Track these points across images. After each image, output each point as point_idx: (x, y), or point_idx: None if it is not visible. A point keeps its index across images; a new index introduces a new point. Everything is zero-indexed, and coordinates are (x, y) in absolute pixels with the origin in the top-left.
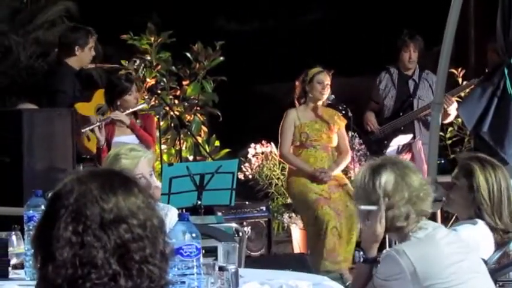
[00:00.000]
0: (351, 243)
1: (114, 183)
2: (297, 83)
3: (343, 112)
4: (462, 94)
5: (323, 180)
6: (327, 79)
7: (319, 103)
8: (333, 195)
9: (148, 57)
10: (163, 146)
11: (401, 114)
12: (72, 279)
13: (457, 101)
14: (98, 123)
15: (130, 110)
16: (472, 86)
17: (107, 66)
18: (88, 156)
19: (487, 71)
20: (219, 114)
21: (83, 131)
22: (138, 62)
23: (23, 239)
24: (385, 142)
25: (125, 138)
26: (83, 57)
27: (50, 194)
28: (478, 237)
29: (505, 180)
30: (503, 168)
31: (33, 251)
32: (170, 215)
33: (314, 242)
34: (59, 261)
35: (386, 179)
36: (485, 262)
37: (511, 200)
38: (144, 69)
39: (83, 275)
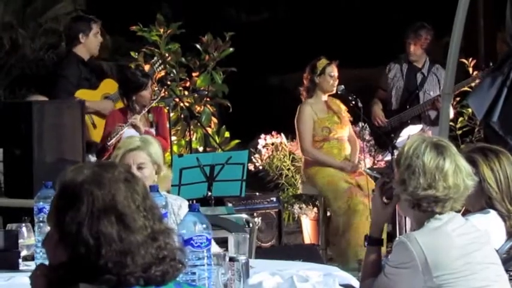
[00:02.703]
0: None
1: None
2: (304, 75)
3: (353, 102)
4: (472, 84)
5: (351, 172)
6: (335, 71)
7: (325, 96)
8: (361, 182)
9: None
10: (173, 138)
11: (408, 106)
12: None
13: (467, 91)
14: (121, 132)
15: (147, 108)
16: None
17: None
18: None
19: (491, 63)
20: (229, 105)
21: (108, 144)
22: (156, 60)
23: (33, 231)
24: (392, 135)
25: (134, 132)
26: (89, 44)
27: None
28: (489, 226)
29: (510, 166)
30: (507, 154)
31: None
32: (184, 206)
33: (348, 231)
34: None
35: (449, 165)
36: (496, 252)
37: None
38: (160, 66)
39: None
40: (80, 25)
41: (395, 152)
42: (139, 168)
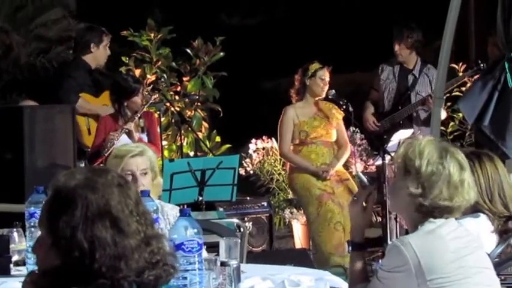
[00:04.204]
0: None
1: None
2: (296, 76)
3: (344, 107)
4: (463, 88)
5: (325, 178)
6: (327, 75)
7: (316, 99)
8: (336, 190)
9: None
10: (164, 142)
11: (400, 108)
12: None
13: (457, 95)
14: (116, 140)
15: (139, 114)
16: (466, 79)
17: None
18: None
19: (482, 64)
20: (220, 109)
21: (106, 154)
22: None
23: (25, 236)
24: (385, 137)
25: (127, 139)
26: (98, 55)
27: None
28: (480, 230)
29: (492, 167)
30: (492, 157)
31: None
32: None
33: (317, 238)
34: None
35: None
36: (488, 255)
37: (503, 185)
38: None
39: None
40: (93, 35)
41: (387, 157)
42: (143, 174)
